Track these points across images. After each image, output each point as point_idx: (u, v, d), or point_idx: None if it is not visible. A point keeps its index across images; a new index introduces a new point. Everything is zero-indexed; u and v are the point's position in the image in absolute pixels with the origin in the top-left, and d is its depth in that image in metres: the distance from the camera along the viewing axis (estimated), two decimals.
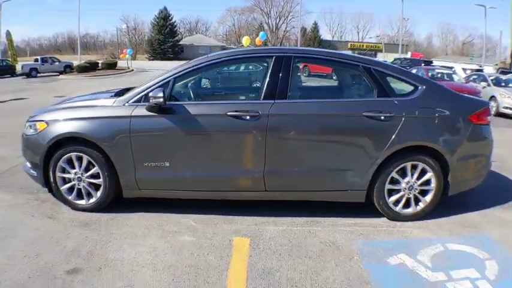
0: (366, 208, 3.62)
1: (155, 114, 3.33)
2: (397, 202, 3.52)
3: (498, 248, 3.05)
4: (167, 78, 3.46)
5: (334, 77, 4.13)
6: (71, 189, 3.61)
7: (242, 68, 9.76)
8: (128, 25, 68.80)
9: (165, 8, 59.68)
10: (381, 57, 35.23)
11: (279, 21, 70.49)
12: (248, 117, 3.30)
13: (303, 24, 65.24)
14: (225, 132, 3.37)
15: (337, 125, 3.41)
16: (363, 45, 59.96)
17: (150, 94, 3.28)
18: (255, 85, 3.90)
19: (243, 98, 3.89)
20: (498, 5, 47.48)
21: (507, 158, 5.69)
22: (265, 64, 3.70)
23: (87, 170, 3.52)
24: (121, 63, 33.11)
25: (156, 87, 3.37)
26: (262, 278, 2.62)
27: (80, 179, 3.55)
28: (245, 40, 27.75)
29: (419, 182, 3.47)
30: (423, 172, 3.46)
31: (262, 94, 3.40)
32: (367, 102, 3.46)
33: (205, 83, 4.41)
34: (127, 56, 35.56)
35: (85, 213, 3.56)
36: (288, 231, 3.29)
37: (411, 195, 3.51)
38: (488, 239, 3.20)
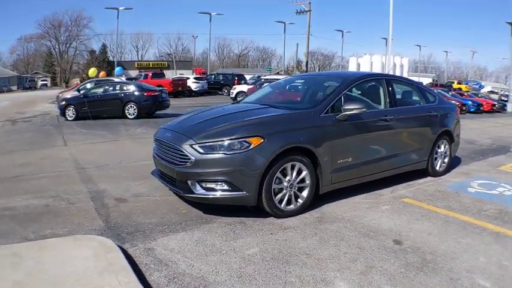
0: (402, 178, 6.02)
1: (344, 120, 4.64)
2: (436, 165, 6.09)
3: (501, 178, 5.98)
4: (340, 94, 4.78)
5: (399, 90, 6.28)
6: (281, 199, 4.16)
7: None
8: None
9: None
10: (170, 75, 39.29)
11: (69, 45, 71.31)
12: (388, 119, 5.18)
13: (92, 48, 69.78)
14: (380, 130, 5.13)
15: (420, 120, 5.74)
16: (149, 64, 61.54)
17: (347, 107, 4.52)
18: (375, 97, 5.45)
19: (381, 107, 5.37)
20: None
21: None
22: (377, 84, 5.51)
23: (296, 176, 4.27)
24: None
25: (336, 101, 4.66)
26: (443, 207, 4.64)
27: (291, 186, 4.27)
28: (91, 71, 29.76)
29: (444, 151, 6.17)
30: (445, 145, 6.17)
31: (388, 104, 5.34)
32: (427, 107, 5.94)
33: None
34: None
35: (300, 216, 4.23)
36: (413, 191, 5.33)
37: (441, 160, 6.16)
38: (488, 176, 6.15)
